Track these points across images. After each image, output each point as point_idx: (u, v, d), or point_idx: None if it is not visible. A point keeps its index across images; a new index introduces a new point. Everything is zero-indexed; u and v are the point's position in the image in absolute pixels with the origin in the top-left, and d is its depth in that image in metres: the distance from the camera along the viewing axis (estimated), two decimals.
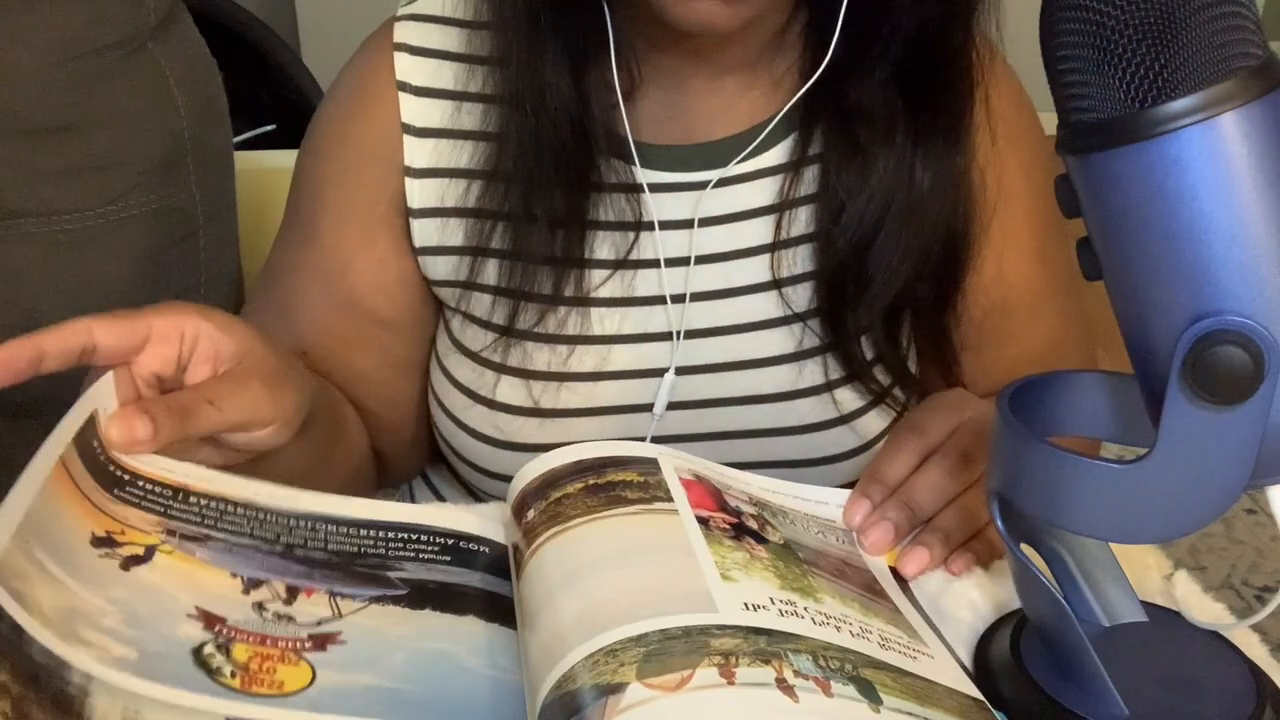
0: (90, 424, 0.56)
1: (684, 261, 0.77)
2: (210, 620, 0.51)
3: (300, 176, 0.83)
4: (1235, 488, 0.47)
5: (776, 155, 0.77)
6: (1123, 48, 0.45)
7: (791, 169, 0.77)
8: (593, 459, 0.61)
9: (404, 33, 0.78)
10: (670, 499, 0.59)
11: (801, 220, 0.77)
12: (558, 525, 0.56)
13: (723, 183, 0.76)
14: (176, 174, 1.37)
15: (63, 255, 1.33)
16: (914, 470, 0.66)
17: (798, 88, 0.75)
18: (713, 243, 0.77)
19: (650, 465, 0.61)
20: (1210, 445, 0.47)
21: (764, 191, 0.77)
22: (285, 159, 1.64)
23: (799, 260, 0.77)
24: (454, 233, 0.77)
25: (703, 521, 0.57)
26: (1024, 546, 0.56)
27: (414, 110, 0.77)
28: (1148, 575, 0.63)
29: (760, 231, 0.77)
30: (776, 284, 0.77)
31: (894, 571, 0.63)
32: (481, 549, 0.60)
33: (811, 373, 0.78)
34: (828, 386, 0.78)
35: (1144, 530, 0.50)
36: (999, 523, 0.54)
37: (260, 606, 0.53)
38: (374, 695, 0.50)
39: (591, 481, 0.59)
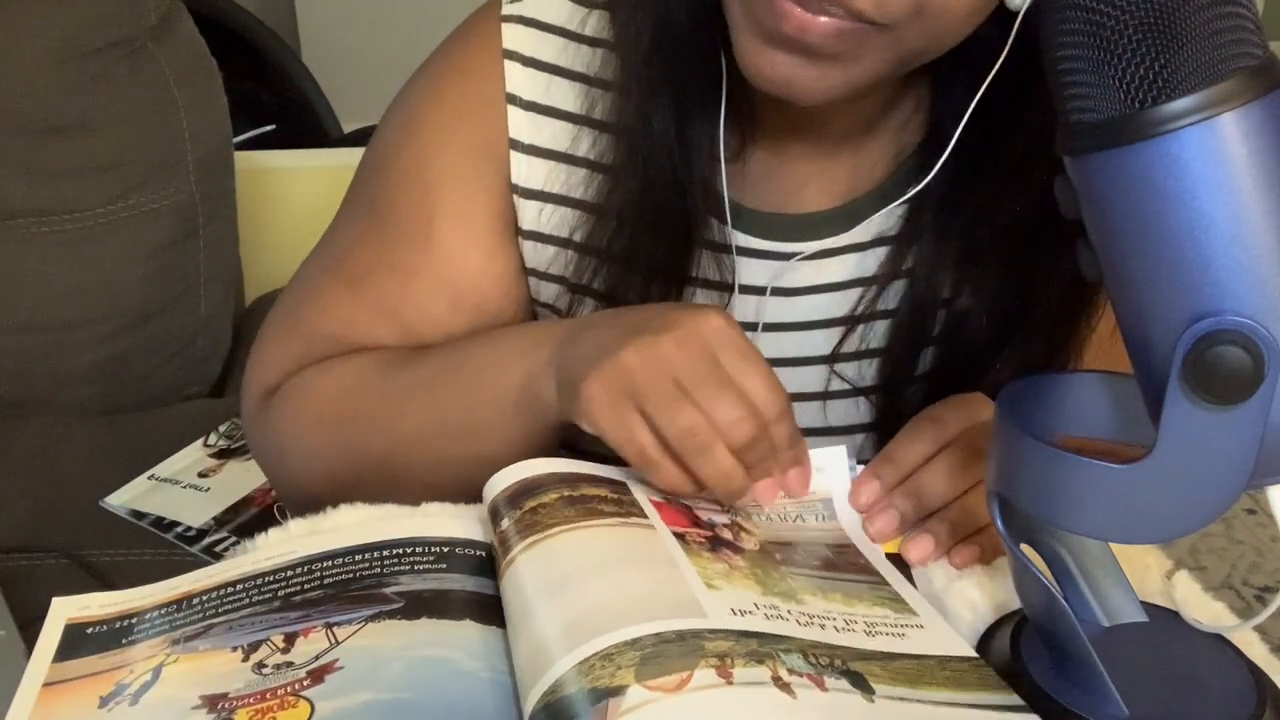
0: (71, 630, 0.59)
1: (755, 327, 0.76)
2: (213, 702, 0.51)
3: (398, 170, 0.78)
4: (1235, 488, 0.47)
5: (864, 231, 0.75)
6: (1123, 48, 0.45)
7: (883, 245, 0.75)
8: (565, 473, 0.61)
9: (514, 38, 0.74)
10: (644, 515, 0.59)
11: (887, 296, 0.75)
12: (535, 534, 0.56)
13: (811, 256, 0.75)
14: (176, 174, 1.38)
15: (63, 255, 1.33)
16: (927, 459, 0.66)
17: (903, 169, 0.74)
18: (785, 312, 0.76)
19: (620, 487, 0.61)
20: (1210, 445, 0.47)
21: (846, 266, 0.75)
22: (285, 159, 1.65)
23: (871, 336, 0.76)
24: (546, 261, 0.76)
25: (679, 536, 0.58)
26: (1024, 546, 0.56)
27: (522, 126, 0.74)
28: (1148, 575, 0.63)
29: (839, 304, 0.76)
30: (833, 358, 0.76)
31: (897, 559, 0.64)
32: (477, 553, 0.60)
33: (866, 446, 0.78)
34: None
35: (1144, 530, 0.50)
36: (999, 523, 0.54)
37: (260, 666, 0.53)
38: (372, 710, 0.50)
39: (566, 494, 0.59)
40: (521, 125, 0.74)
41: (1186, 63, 0.44)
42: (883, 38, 0.59)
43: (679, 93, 0.69)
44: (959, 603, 0.61)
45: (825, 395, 0.77)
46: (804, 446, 0.64)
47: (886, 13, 0.57)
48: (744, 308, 0.75)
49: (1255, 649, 0.57)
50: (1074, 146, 0.47)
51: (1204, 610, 0.61)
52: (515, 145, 0.74)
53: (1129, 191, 0.46)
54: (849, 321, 0.76)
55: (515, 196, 0.75)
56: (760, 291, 0.75)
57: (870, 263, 0.75)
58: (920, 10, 0.58)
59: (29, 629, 0.63)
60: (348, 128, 2.00)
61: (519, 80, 0.74)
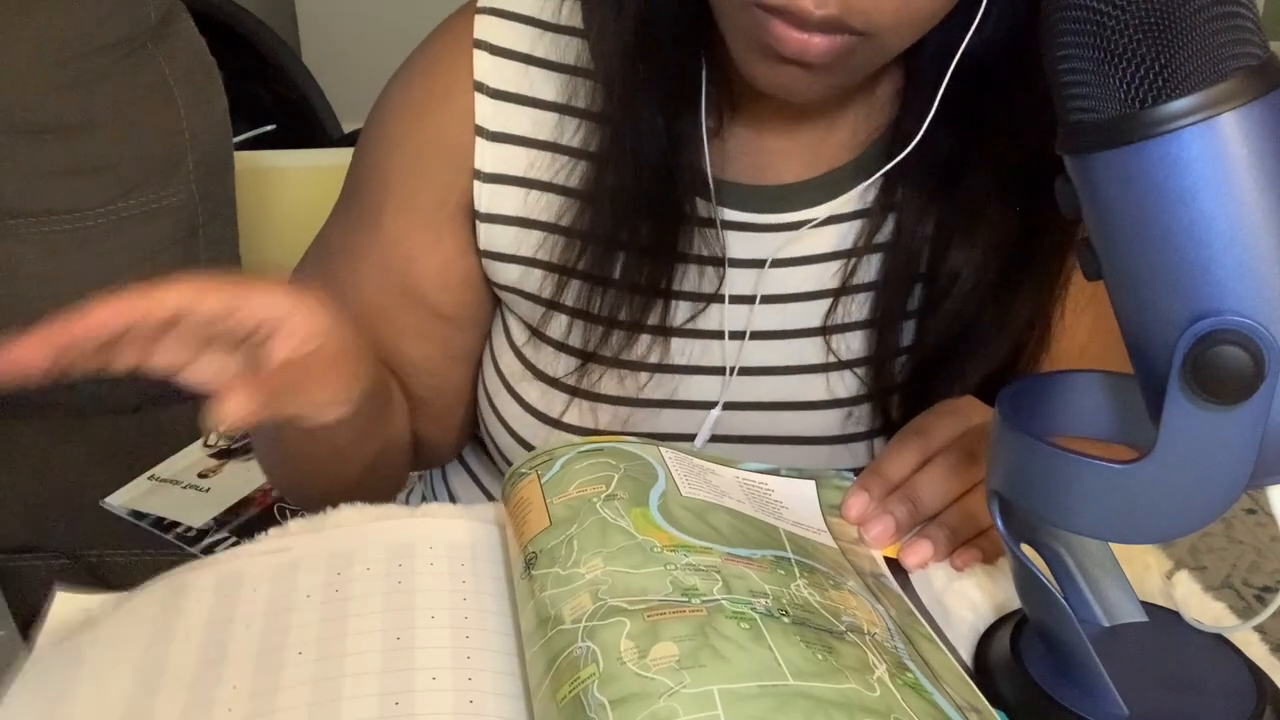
0: None
1: (746, 299, 0.76)
2: None
3: (365, 159, 0.81)
4: (1235, 488, 0.47)
5: (848, 202, 0.76)
6: (1123, 48, 0.45)
7: (863, 217, 0.76)
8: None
9: (485, 28, 0.75)
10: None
11: (868, 268, 0.76)
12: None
13: (791, 226, 0.76)
14: (176, 174, 1.37)
15: (63, 255, 1.33)
16: (916, 470, 0.66)
17: (880, 140, 0.75)
18: (774, 284, 0.76)
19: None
20: (1210, 445, 0.47)
21: (831, 238, 0.76)
22: (285, 159, 1.65)
23: (857, 308, 0.77)
24: (533, 245, 0.76)
25: None
26: (1024, 546, 0.56)
27: (488, 113, 0.75)
28: (1148, 575, 0.63)
29: (821, 277, 0.77)
30: (824, 330, 0.77)
31: (894, 563, 0.64)
32: None
33: (858, 420, 0.78)
34: (870, 435, 0.78)
35: (1144, 530, 0.50)
36: (999, 523, 0.54)
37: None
38: None
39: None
40: (488, 113, 0.75)
41: (1187, 63, 0.44)
42: (869, 45, 0.62)
43: (663, 83, 0.70)
44: (959, 603, 0.61)
45: (826, 367, 0.77)
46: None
47: (874, 25, 0.61)
48: (739, 281, 0.76)
49: (1255, 649, 0.57)
50: (1074, 146, 0.47)
51: (1204, 610, 0.61)
52: (481, 132, 0.75)
53: (1129, 191, 0.46)
54: (835, 293, 0.76)
55: (477, 182, 0.76)
56: (746, 265, 0.76)
57: (850, 235, 0.76)
58: (900, 16, 0.61)
59: (29, 629, 0.63)
60: (348, 128, 2.00)
61: (486, 68, 0.75)
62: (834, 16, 0.60)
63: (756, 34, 0.62)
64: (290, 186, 1.60)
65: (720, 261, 0.75)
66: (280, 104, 2.01)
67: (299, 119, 2.00)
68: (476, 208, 0.76)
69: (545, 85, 0.75)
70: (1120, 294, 0.48)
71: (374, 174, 0.79)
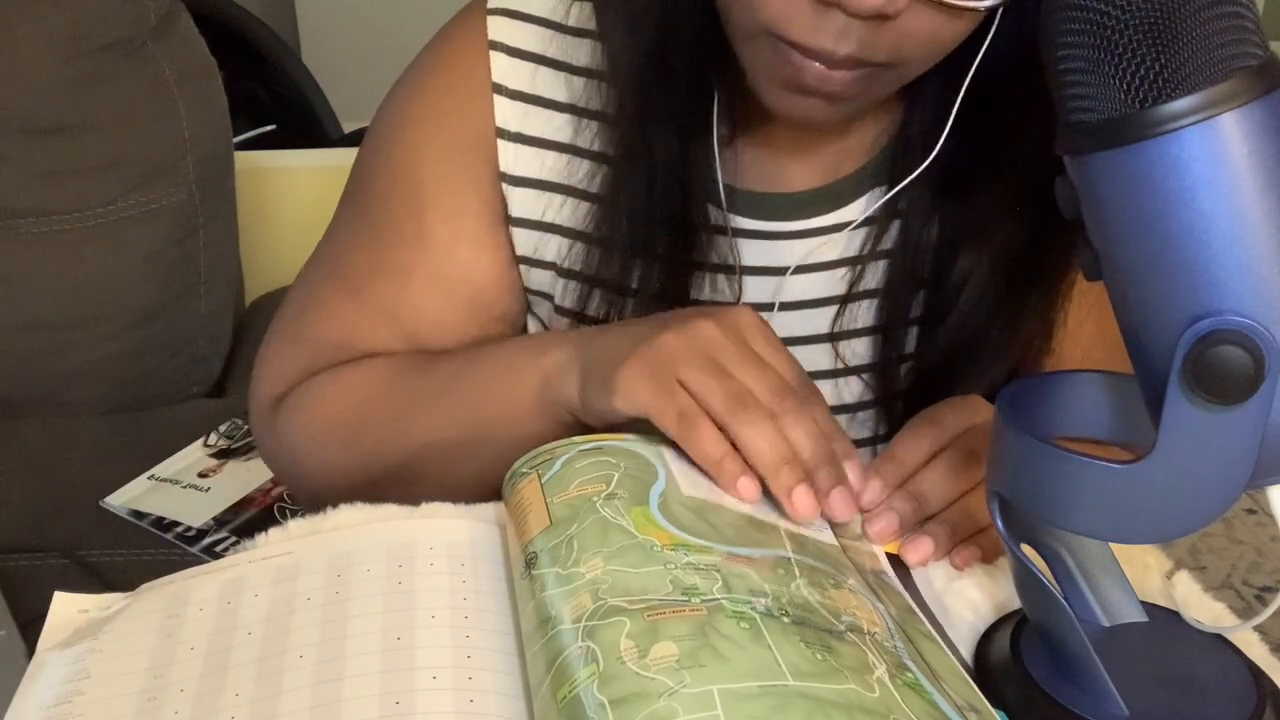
0: None
1: (763, 307, 0.76)
2: None
3: (384, 167, 0.79)
4: (1235, 488, 0.47)
5: (857, 209, 0.76)
6: (1123, 48, 0.45)
7: (870, 224, 0.76)
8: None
9: (499, 30, 0.75)
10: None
11: (874, 274, 0.77)
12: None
13: (802, 234, 0.76)
14: (176, 174, 1.38)
15: (63, 255, 1.34)
16: (928, 459, 0.66)
17: (888, 146, 0.75)
18: (789, 291, 0.77)
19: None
20: (1210, 445, 0.47)
21: (838, 244, 0.77)
22: (285, 159, 1.65)
23: (863, 314, 0.77)
24: (554, 250, 0.76)
25: None
26: (1024, 546, 0.56)
27: (509, 115, 0.75)
28: (1148, 575, 0.63)
29: (829, 283, 0.77)
30: (832, 336, 0.77)
31: (895, 559, 0.64)
32: None
33: (862, 424, 0.78)
34: (873, 441, 0.78)
35: (1144, 530, 0.50)
36: (999, 523, 0.54)
37: None
38: None
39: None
40: (509, 114, 0.75)
41: (1186, 63, 0.44)
42: (891, 73, 0.63)
43: (677, 95, 0.71)
44: (959, 603, 0.61)
45: (834, 373, 0.78)
46: (853, 455, 0.63)
47: (899, 58, 0.61)
48: (754, 288, 0.76)
49: (1255, 649, 0.57)
50: (1074, 146, 0.47)
51: (1204, 610, 0.61)
52: (503, 134, 0.75)
53: (1129, 191, 0.46)
54: (842, 299, 0.77)
55: (505, 185, 0.75)
56: (761, 272, 0.76)
57: (857, 241, 0.77)
58: (926, 49, 0.62)
59: (29, 629, 0.63)
60: (348, 128, 2.00)
61: (504, 69, 0.75)
62: (855, 54, 0.60)
63: (777, 64, 0.62)
64: (290, 186, 1.60)
65: (735, 269, 0.75)
66: (280, 104, 2.01)
67: (299, 119, 2.00)
68: (509, 212, 0.76)
69: (558, 87, 0.75)
70: (1120, 294, 0.48)
71: (402, 182, 0.77)
